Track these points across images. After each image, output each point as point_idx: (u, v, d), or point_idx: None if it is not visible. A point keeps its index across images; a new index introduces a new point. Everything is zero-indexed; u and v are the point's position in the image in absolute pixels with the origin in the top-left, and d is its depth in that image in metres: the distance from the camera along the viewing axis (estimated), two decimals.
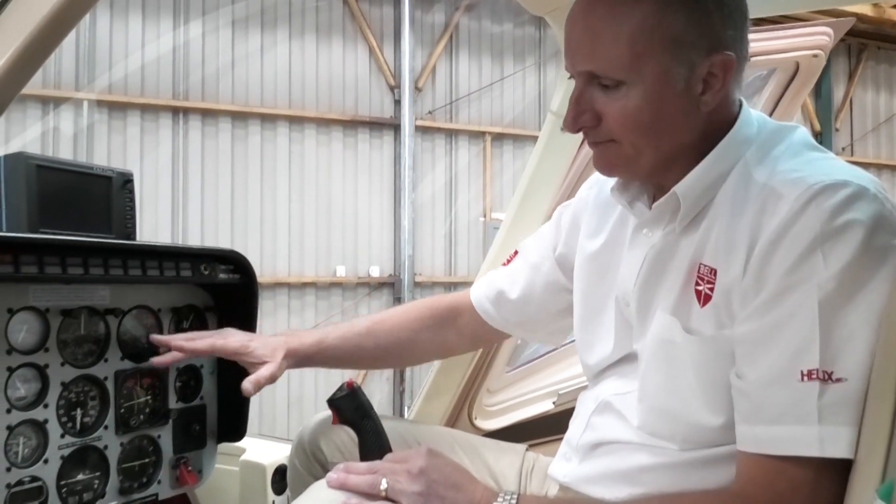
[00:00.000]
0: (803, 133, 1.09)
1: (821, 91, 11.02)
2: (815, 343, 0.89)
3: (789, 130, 1.08)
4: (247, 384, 1.31)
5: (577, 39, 1.04)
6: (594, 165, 1.13)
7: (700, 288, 1.03)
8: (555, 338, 1.58)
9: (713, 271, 1.01)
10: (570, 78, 1.09)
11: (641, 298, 1.12)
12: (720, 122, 1.06)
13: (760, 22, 1.59)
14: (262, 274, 7.95)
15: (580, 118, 1.05)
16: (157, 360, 1.38)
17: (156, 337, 1.41)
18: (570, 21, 1.05)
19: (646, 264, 1.11)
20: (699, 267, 1.03)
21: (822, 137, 11.24)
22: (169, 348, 1.38)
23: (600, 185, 1.31)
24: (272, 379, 1.33)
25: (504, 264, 1.51)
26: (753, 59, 1.96)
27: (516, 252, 1.50)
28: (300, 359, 1.42)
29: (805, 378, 0.89)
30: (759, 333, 0.94)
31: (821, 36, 1.91)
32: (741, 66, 1.04)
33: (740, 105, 1.08)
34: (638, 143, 1.04)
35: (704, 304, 1.02)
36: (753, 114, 1.09)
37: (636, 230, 1.15)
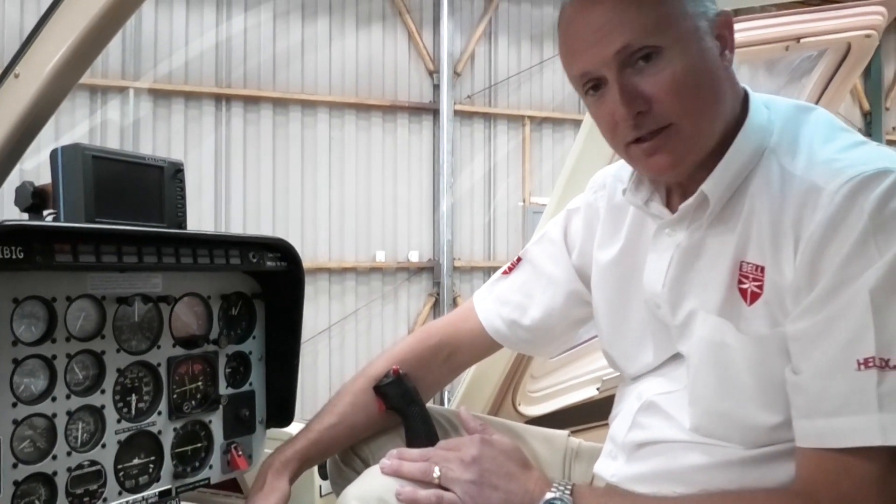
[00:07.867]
0: (823, 113, 1.06)
1: (871, 70, 10.70)
2: (869, 331, 0.88)
3: (806, 111, 1.06)
4: None
5: (600, 23, 0.98)
6: (651, 169, 1.05)
7: (745, 286, 1.01)
8: (559, 349, 1.52)
9: (759, 268, 0.99)
10: (586, 91, 1.04)
11: (673, 298, 1.10)
12: (734, 109, 1.03)
13: (811, 1, 1.56)
14: (303, 259, 7.92)
15: (633, 104, 0.98)
16: None
17: None
18: (580, 15, 1.00)
19: (673, 264, 1.10)
20: (741, 265, 1.01)
21: (872, 117, 10.96)
22: None
23: (608, 188, 1.27)
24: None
25: (505, 273, 1.42)
26: (803, 39, 1.93)
27: (519, 259, 1.41)
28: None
29: (862, 367, 0.88)
30: (815, 329, 0.92)
31: (874, 15, 1.86)
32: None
33: (745, 93, 1.07)
34: (696, 115, 0.99)
35: (752, 302, 1.00)
36: (758, 97, 1.07)
37: (658, 231, 1.13)
